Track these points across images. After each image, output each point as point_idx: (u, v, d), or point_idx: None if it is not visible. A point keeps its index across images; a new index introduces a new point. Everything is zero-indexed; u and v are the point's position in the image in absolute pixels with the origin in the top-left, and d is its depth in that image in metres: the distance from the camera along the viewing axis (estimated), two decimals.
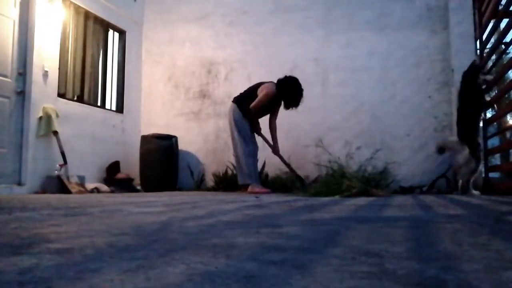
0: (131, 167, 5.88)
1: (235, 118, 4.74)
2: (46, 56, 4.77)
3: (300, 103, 4.73)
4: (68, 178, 4.71)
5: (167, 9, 6.61)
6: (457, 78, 5.14)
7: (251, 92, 4.80)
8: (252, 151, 4.75)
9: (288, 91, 4.68)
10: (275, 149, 4.98)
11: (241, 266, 0.72)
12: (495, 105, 3.71)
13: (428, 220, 1.67)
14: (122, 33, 6.32)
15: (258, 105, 4.67)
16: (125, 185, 5.45)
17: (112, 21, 6.00)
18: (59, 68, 4.98)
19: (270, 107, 4.83)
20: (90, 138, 5.42)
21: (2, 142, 4.33)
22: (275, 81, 4.75)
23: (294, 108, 4.75)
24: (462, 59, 5.14)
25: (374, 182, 4.05)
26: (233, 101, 4.91)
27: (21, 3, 4.57)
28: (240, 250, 0.89)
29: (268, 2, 6.12)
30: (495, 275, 0.67)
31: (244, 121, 4.73)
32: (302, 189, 4.30)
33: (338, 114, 5.63)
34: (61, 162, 4.73)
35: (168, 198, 3.40)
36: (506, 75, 8.01)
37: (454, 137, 4.33)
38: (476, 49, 5.26)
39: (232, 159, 5.69)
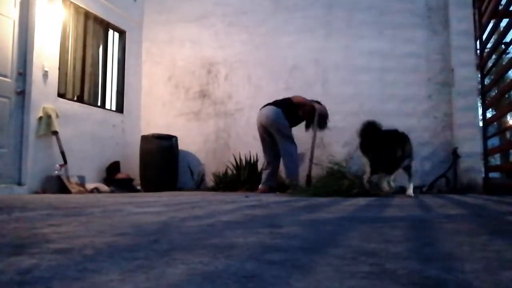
0: (131, 167, 5.88)
1: (276, 119, 4.73)
2: (46, 56, 4.77)
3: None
4: (68, 178, 4.71)
5: (167, 9, 6.61)
6: (457, 77, 5.16)
7: (286, 101, 4.88)
8: (295, 151, 4.81)
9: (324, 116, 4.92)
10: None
11: (241, 266, 0.72)
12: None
13: (428, 220, 1.67)
14: (122, 33, 6.32)
15: (306, 107, 4.83)
16: (125, 185, 5.45)
17: (112, 21, 6.00)
18: (59, 68, 4.98)
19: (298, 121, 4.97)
20: (90, 138, 5.42)
21: (2, 142, 4.33)
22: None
23: (320, 129, 4.91)
24: (462, 59, 5.15)
25: (374, 182, 4.04)
26: (271, 104, 4.88)
27: (21, 3, 4.57)
28: (240, 250, 0.89)
29: (268, 2, 6.12)
30: (495, 275, 0.67)
31: (286, 122, 4.75)
32: (297, 189, 4.28)
33: (338, 114, 5.62)
34: (61, 162, 4.73)
35: (168, 198, 3.40)
36: (506, 75, 8.01)
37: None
38: (476, 49, 5.27)
39: (232, 159, 5.70)
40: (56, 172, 4.64)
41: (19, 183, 4.43)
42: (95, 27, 5.71)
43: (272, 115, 4.75)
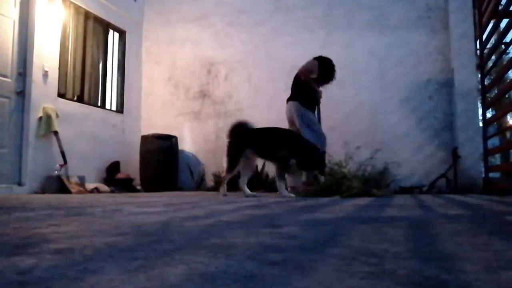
0: (131, 167, 5.88)
1: (297, 113, 4.41)
2: (46, 56, 4.77)
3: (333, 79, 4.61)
4: (68, 178, 4.71)
5: (167, 9, 6.61)
6: (458, 78, 5.16)
7: (297, 86, 4.56)
8: (320, 140, 4.37)
9: (327, 65, 4.56)
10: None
11: (241, 266, 0.72)
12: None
13: (428, 220, 1.67)
14: (122, 33, 6.33)
15: (306, 75, 4.46)
16: (125, 185, 5.45)
17: (112, 21, 6.00)
18: (59, 68, 4.98)
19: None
20: (90, 138, 5.42)
21: (2, 142, 4.33)
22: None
23: (327, 83, 4.59)
24: (462, 59, 5.15)
25: (374, 182, 4.04)
26: (288, 100, 4.57)
27: (21, 3, 4.57)
28: (240, 250, 0.89)
29: (268, 2, 6.12)
30: (495, 275, 0.67)
31: (306, 112, 4.44)
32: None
33: (337, 114, 5.62)
34: (61, 162, 4.73)
35: (168, 198, 3.40)
36: (506, 75, 8.00)
37: None
38: (476, 49, 5.26)
39: None
40: (56, 172, 4.64)
41: (19, 183, 4.43)
42: (95, 27, 5.71)
43: (288, 112, 4.53)
